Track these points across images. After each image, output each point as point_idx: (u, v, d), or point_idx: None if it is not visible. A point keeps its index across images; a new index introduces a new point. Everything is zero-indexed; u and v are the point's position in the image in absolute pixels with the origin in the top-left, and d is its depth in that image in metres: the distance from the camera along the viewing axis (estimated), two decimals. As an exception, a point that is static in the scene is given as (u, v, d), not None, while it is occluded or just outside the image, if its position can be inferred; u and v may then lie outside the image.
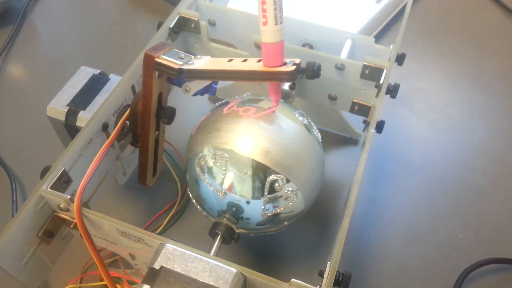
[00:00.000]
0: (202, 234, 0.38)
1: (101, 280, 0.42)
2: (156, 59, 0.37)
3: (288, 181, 0.36)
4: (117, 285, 0.40)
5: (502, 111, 0.61)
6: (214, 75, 0.37)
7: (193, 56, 0.38)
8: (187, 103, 0.58)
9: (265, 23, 0.34)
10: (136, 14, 0.72)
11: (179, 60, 0.37)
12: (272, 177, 0.36)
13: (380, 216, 0.50)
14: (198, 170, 0.38)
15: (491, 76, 0.65)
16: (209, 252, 0.36)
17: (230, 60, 0.37)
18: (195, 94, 0.39)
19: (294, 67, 0.34)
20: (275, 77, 0.35)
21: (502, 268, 0.47)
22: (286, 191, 0.37)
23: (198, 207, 0.41)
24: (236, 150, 0.36)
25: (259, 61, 0.36)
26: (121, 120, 0.39)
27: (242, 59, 0.37)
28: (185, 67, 0.37)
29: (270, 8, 0.33)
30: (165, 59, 0.37)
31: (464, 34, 0.70)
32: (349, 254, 0.47)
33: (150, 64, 0.37)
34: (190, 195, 0.41)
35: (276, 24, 0.34)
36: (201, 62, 0.37)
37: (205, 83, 0.39)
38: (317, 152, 0.39)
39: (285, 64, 0.35)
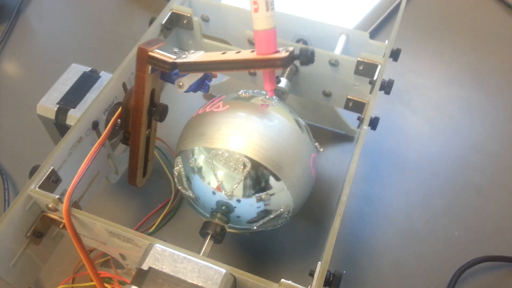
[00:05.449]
0: (196, 233, 0.38)
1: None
2: (150, 53, 0.36)
3: (253, 161, 0.36)
4: (108, 286, 0.39)
5: (501, 108, 0.60)
6: (208, 67, 0.37)
7: (187, 52, 0.38)
8: (181, 100, 0.57)
9: (256, 10, 0.33)
10: (131, 10, 0.71)
11: (173, 55, 0.37)
12: (237, 156, 0.35)
13: (375, 213, 0.50)
14: (177, 173, 0.39)
15: (489, 72, 0.64)
16: (199, 252, 0.35)
17: (224, 53, 0.37)
18: (188, 91, 0.39)
19: (287, 53, 0.34)
20: (269, 64, 0.35)
21: (497, 266, 0.47)
22: (250, 171, 0.36)
23: (191, 207, 0.41)
24: (204, 145, 0.36)
25: (252, 51, 0.36)
26: (113, 118, 0.39)
27: (236, 50, 0.37)
28: (178, 60, 0.36)
29: None
30: (159, 53, 0.37)
31: (462, 29, 0.70)
32: (343, 252, 0.47)
33: (143, 58, 0.37)
34: (184, 195, 0.41)
35: (267, 10, 0.33)
36: (195, 56, 0.37)
37: (198, 76, 0.38)
38: (308, 149, 0.39)
39: (278, 52, 0.35)
